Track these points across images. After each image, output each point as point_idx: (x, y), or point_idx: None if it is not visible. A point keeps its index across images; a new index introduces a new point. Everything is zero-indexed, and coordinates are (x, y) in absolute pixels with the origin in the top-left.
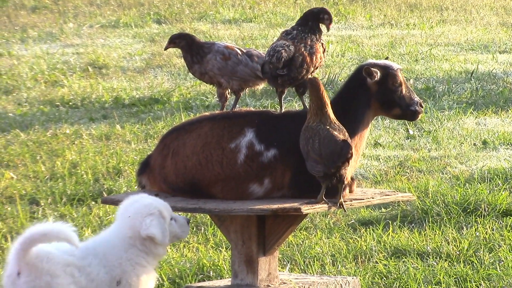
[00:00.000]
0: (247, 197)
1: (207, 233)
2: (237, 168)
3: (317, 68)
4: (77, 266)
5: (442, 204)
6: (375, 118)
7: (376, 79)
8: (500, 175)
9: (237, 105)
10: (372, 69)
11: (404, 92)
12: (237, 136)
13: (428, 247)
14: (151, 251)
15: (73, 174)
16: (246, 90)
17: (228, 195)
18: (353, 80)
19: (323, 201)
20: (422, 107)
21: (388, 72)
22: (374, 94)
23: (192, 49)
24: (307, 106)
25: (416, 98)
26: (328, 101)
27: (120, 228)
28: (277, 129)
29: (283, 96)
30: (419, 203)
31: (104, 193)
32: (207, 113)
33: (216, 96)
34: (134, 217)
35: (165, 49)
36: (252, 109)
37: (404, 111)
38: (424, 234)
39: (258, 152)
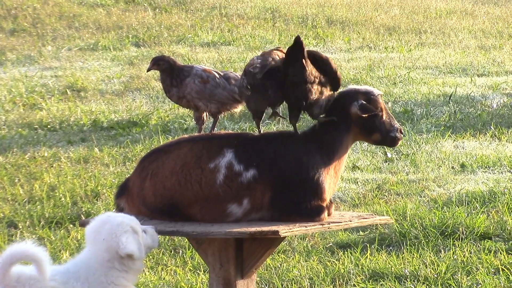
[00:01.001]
0: (225, 217)
1: (185, 256)
2: (216, 188)
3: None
4: None
5: (420, 227)
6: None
7: (373, 112)
8: (478, 198)
9: (215, 128)
10: (367, 105)
11: (384, 118)
12: (216, 156)
13: (406, 270)
14: (130, 268)
15: (51, 197)
16: (224, 113)
17: (207, 215)
18: (333, 105)
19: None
20: (402, 133)
21: (370, 98)
22: (354, 119)
23: (173, 72)
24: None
25: (396, 125)
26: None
27: (97, 252)
28: (256, 149)
29: (262, 120)
30: (397, 226)
31: (82, 216)
32: (186, 136)
33: (194, 119)
34: (109, 238)
35: (148, 70)
36: (230, 131)
37: (384, 137)
38: (402, 257)
39: (237, 173)
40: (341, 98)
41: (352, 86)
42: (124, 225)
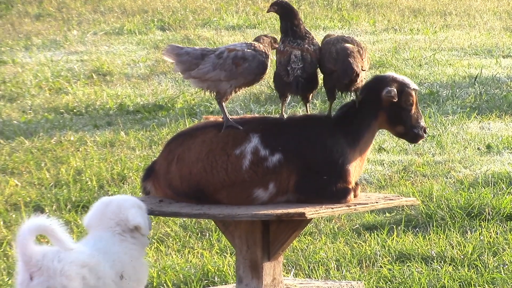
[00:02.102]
0: (252, 202)
1: (211, 239)
2: (242, 174)
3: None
4: (90, 266)
5: (446, 209)
6: None
7: (394, 100)
8: (504, 179)
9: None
10: (394, 93)
11: (413, 112)
12: (242, 142)
13: (433, 251)
14: (140, 242)
15: (77, 181)
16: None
17: (233, 200)
18: (369, 86)
19: None
20: (426, 133)
21: (403, 89)
22: (384, 106)
23: None
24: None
25: (423, 123)
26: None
27: (108, 228)
28: (282, 134)
29: (287, 102)
30: (423, 207)
31: None
32: (212, 118)
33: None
34: (118, 211)
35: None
36: (256, 115)
37: (407, 131)
38: (429, 239)
39: (263, 157)
40: (377, 82)
41: (391, 73)
42: (130, 200)
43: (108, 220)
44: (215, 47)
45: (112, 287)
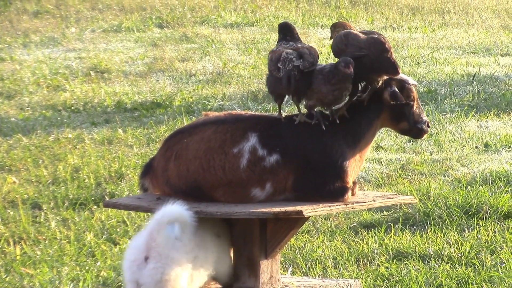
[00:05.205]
0: (249, 201)
1: None
2: (239, 173)
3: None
4: (196, 241)
5: (444, 207)
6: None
7: (402, 102)
8: (502, 178)
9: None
10: (398, 93)
11: (415, 108)
12: (241, 140)
13: (430, 250)
14: None
15: (75, 178)
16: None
17: (230, 199)
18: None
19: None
20: (429, 127)
21: (403, 86)
22: (386, 104)
23: None
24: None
25: (425, 118)
26: None
27: None
28: (280, 133)
29: (284, 101)
30: (421, 206)
31: (106, 197)
32: (211, 115)
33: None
34: None
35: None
36: (256, 113)
37: (411, 127)
38: (426, 237)
39: (261, 157)
40: None
41: None
42: None
43: None
44: None
45: (213, 251)
